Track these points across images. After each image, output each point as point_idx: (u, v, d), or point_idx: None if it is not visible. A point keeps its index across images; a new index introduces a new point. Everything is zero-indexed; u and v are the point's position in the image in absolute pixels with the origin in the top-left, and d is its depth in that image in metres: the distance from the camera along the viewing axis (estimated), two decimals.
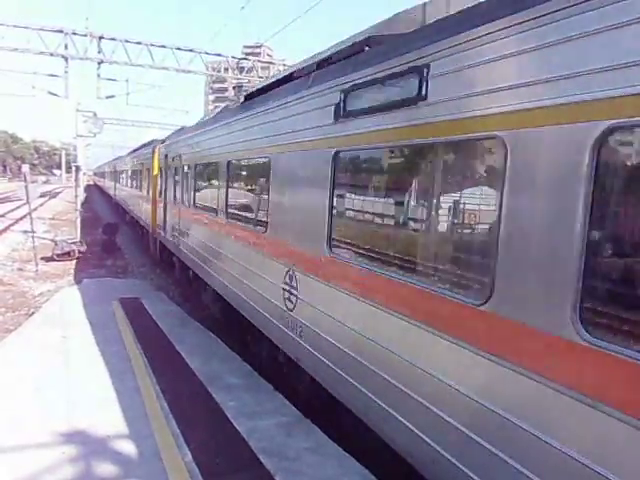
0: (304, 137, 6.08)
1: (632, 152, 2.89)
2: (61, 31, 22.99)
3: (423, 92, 4.04)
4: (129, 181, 29.21)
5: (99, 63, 24.08)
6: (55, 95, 24.55)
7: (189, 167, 12.52)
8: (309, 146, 5.96)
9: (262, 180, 7.65)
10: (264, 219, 7.29)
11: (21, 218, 29.78)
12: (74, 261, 18.06)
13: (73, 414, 5.91)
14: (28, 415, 5.85)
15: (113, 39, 23.90)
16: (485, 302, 3.38)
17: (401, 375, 4.18)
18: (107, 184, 54.72)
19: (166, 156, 15.98)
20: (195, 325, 10.10)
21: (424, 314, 3.96)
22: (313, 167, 5.84)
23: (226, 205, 9.22)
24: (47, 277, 15.55)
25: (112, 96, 26.85)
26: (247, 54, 49.95)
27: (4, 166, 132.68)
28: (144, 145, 26.18)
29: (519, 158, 3.20)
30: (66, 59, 23.45)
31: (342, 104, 5.20)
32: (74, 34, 23.18)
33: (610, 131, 2.67)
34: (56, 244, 18.62)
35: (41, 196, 50.33)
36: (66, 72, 23.65)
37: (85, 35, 23.34)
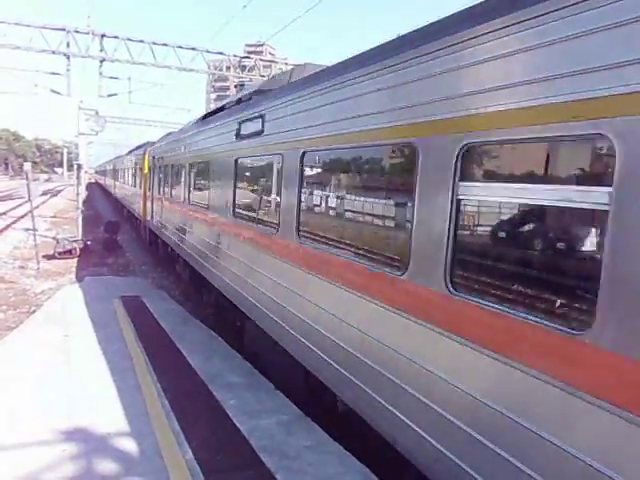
0: (224, 148, 9.66)
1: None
2: (63, 29, 23.02)
3: (262, 128, 7.54)
4: (125, 179, 32.39)
5: (101, 61, 24.11)
6: (57, 93, 24.57)
7: (166, 167, 16.26)
8: (225, 155, 9.55)
9: (205, 176, 11.25)
10: (208, 202, 10.72)
11: (23, 216, 29.83)
12: (75, 259, 18.09)
13: (74, 412, 5.92)
14: (29, 413, 5.86)
15: (115, 37, 23.93)
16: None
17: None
18: (108, 182, 55.25)
19: (153, 157, 19.31)
20: (196, 323, 10.11)
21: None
22: (225, 168, 9.40)
23: (189, 195, 12.73)
24: (48, 275, 15.57)
25: (114, 94, 26.86)
26: (249, 53, 49.98)
27: (6, 164, 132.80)
28: (138, 147, 29.32)
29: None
30: (68, 57, 23.48)
31: (239, 130, 8.72)
32: (76, 32, 23.20)
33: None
34: (58, 242, 18.65)
35: (43, 194, 50.41)
36: (68, 70, 23.68)
37: (87, 33, 23.38)
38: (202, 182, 11.58)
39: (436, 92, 3.91)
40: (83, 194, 26.64)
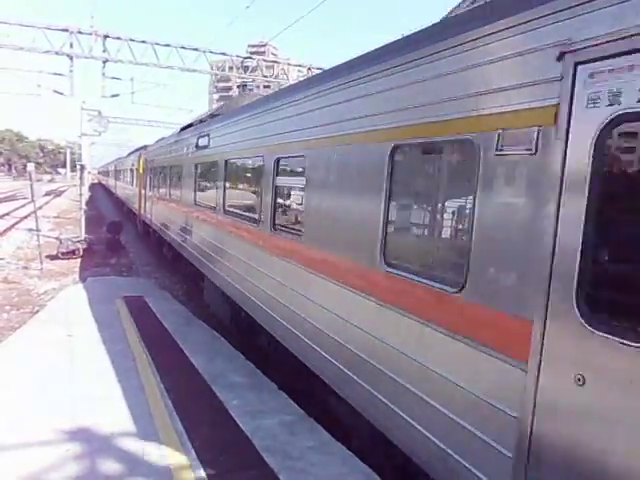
0: (186, 157, 13.47)
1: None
2: (66, 30, 23.03)
3: (208, 143, 11.04)
4: (124, 179, 35.79)
5: (104, 62, 24.11)
6: (60, 94, 24.61)
7: (155, 169, 19.46)
8: (187, 161, 13.37)
9: (178, 176, 14.44)
10: (180, 196, 14.03)
11: (26, 216, 29.91)
12: (79, 259, 18.12)
13: (77, 412, 5.93)
14: (33, 413, 5.87)
15: (118, 38, 23.92)
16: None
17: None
18: (110, 182, 55.72)
19: (146, 160, 22.24)
20: (199, 324, 10.11)
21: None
22: (190, 170, 12.83)
23: (169, 190, 16.02)
24: (52, 275, 15.60)
25: (117, 95, 26.87)
26: (252, 53, 49.96)
27: (9, 165, 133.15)
28: (135, 150, 33.28)
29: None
30: (71, 58, 23.49)
31: (197, 143, 12.13)
32: (79, 33, 23.20)
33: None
34: (61, 242, 18.69)
35: (46, 194, 50.41)
36: (71, 71, 23.69)
37: (90, 34, 23.37)
38: (176, 181, 14.86)
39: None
40: (86, 195, 26.68)
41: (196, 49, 25.21)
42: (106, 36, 23.65)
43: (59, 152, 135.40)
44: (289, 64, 30.41)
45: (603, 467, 2.68)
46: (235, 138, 9.21)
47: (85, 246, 19.18)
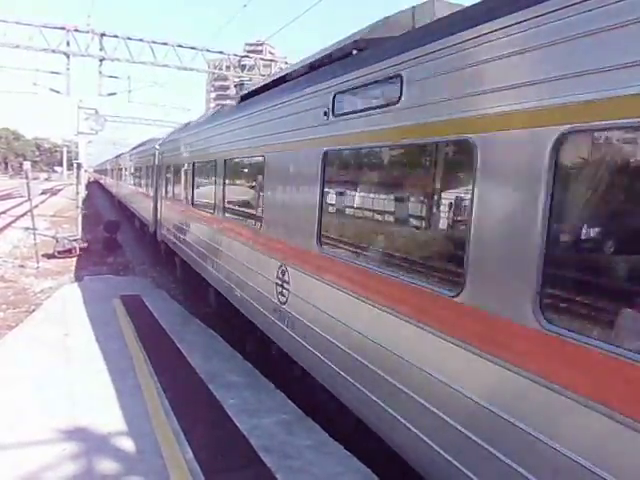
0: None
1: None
2: (63, 28, 22.99)
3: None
4: (120, 175, 37.37)
5: (101, 60, 24.09)
6: (57, 92, 24.53)
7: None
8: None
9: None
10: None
11: (22, 215, 29.82)
12: (75, 258, 18.08)
13: (74, 412, 5.91)
14: (29, 412, 5.86)
15: (115, 36, 23.90)
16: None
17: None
18: (108, 181, 55.64)
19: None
20: (196, 323, 10.10)
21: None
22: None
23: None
24: (48, 274, 15.55)
25: (114, 93, 26.88)
26: (249, 52, 49.84)
27: (5, 163, 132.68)
28: (122, 154, 36.80)
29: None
30: (68, 56, 23.45)
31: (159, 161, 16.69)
32: (76, 31, 23.17)
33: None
34: (57, 241, 18.64)
35: (42, 193, 50.30)
36: (68, 69, 23.65)
37: (87, 32, 23.34)
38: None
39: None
40: (83, 193, 26.62)
41: (193, 48, 25.21)
42: (103, 34, 23.62)
43: (55, 151, 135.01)
44: (286, 63, 30.38)
45: None
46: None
47: (82, 245, 19.14)
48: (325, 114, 5.62)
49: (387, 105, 4.59)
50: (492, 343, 3.34)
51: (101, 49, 23.82)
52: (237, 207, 9.52)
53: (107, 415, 5.87)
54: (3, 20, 22.33)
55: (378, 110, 4.74)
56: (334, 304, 5.32)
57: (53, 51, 23.15)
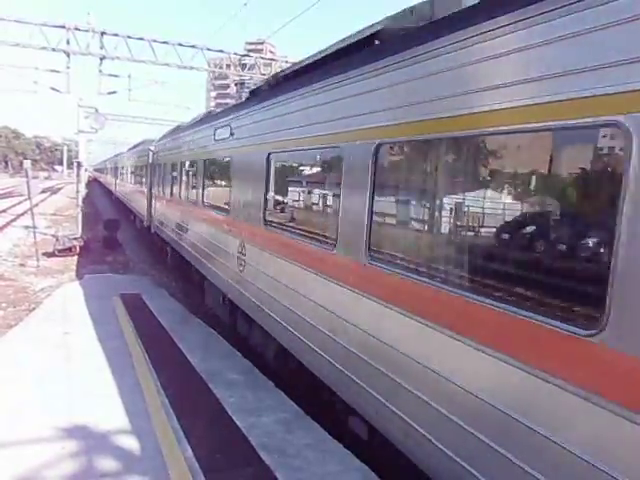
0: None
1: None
2: (63, 26, 22.93)
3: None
4: (119, 173, 38.60)
5: (101, 59, 24.02)
6: (57, 91, 24.50)
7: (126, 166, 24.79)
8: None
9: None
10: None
11: (22, 214, 29.81)
12: (75, 257, 18.08)
13: (74, 409, 5.92)
14: (29, 410, 5.86)
15: (115, 35, 23.84)
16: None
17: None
18: (107, 180, 56.23)
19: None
20: (196, 321, 10.11)
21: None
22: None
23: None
24: (48, 273, 15.55)
25: (114, 92, 26.81)
26: (249, 51, 49.81)
27: (5, 162, 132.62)
28: (120, 153, 40.66)
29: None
30: (68, 54, 23.40)
31: (153, 160, 19.22)
32: (76, 29, 23.11)
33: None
34: (57, 240, 18.63)
35: (42, 192, 50.33)
36: (68, 68, 23.61)
37: (87, 31, 23.28)
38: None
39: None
40: (83, 192, 26.60)
41: (193, 46, 25.15)
42: (103, 33, 23.57)
43: (56, 149, 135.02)
44: (287, 62, 30.35)
45: None
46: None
47: (82, 243, 19.13)
48: (258, 128, 7.98)
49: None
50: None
51: (101, 47, 23.76)
52: (212, 198, 11.11)
53: (107, 413, 5.87)
54: (3, 18, 22.30)
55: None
56: (275, 268, 6.94)
57: (53, 49, 23.10)
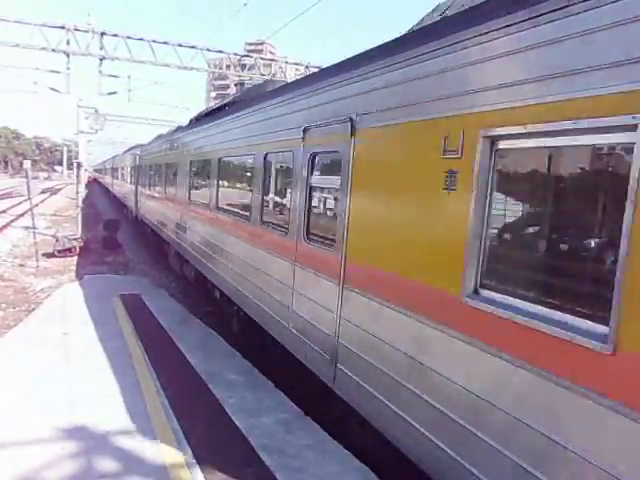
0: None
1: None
2: (63, 27, 22.92)
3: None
4: (116, 173, 42.78)
5: (101, 59, 24.00)
6: (57, 91, 24.49)
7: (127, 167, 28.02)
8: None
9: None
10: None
11: (22, 214, 29.81)
12: (75, 257, 18.07)
13: (73, 410, 5.92)
14: (28, 411, 5.86)
15: (115, 35, 23.83)
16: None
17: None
18: (106, 179, 57.50)
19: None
20: (196, 322, 10.10)
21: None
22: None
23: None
24: (48, 273, 15.55)
25: (114, 92, 26.80)
26: (249, 51, 49.84)
27: (5, 162, 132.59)
28: (115, 156, 45.64)
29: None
30: (68, 55, 23.39)
31: (138, 162, 24.71)
32: (76, 30, 23.11)
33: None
34: (57, 240, 18.63)
35: (42, 192, 50.33)
36: (68, 68, 23.60)
37: (87, 31, 23.27)
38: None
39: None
40: (83, 192, 26.62)
41: (193, 47, 25.14)
42: (103, 33, 23.56)
43: (55, 150, 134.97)
44: (287, 62, 30.36)
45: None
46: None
47: (82, 244, 19.13)
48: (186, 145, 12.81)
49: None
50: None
51: (101, 48, 23.76)
52: (172, 191, 15.16)
53: (106, 414, 5.87)
54: (3, 19, 22.30)
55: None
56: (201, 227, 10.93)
57: (53, 50, 23.08)
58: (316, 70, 17.04)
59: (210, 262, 10.46)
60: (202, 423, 5.81)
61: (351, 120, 5.04)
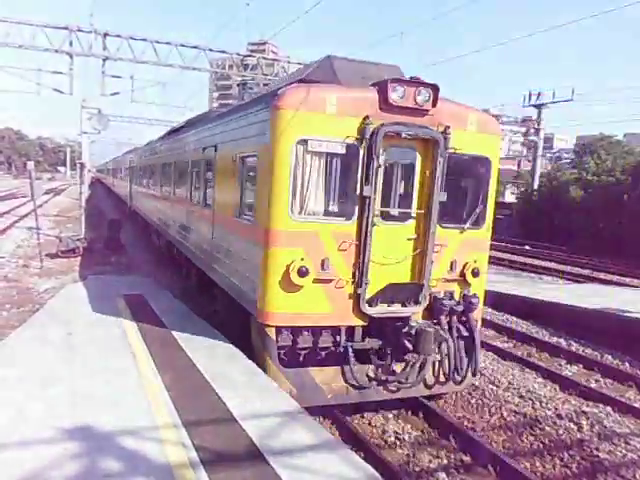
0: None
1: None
2: (66, 28, 23.00)
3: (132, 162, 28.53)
4: (115, 173, 47.73)
5: (104, 60, 24.08)
6: (60, 92, 24.53)
7: (135, 167, 28.47)
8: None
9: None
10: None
11: (26, 215, 29.90)
12: (79, 258, 18.12)
13: (77, 410, 5.92)
14: (32, 411, 5.86)
15: (118, 36, 23.89)
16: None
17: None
18: (108, 179, 59.08)
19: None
20: (199, 322, 10.09)
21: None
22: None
23: (132, 181, 29.27)
24: (51, 274, 15.59)
25: (117, 93, 26.79)
26: (252, 51, 49.79)
27: (9, 163, 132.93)
28: (115, 157, 52.84)
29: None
30: (71, 56, 23.47)
31: (131, 164, 30.69)
32: (79, 31, 23.18)
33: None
34: (61, 241, 18.69)
35: (46, 193, 50.47)
36: (71, 69, 23.66)
37: (90, 32, 23.35)
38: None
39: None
40: (86, 193, 26.69)
41: (196, 47, 25.20)
42: (106, 34, 23.63)
43: (59, 150, 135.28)
44: (289, 62, 30.35)
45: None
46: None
47: (85, 244, 19.17)
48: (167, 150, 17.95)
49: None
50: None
51: (104, 49, 23.83)
52: (154, 185, 19.60)
53: (110, 413, 5.87)
54: (6, 20, 22.38)
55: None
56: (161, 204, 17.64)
57: (56, 51, 23.16)
58: None
59: (164, 224, 17.00)
60: (206, 423, 5.80)
61: (215, 146, 10.34)
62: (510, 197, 52.73)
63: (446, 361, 7.75)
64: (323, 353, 7.70)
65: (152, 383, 6.87)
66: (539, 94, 38.37)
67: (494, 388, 9.23)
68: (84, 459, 4.91)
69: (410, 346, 7.38)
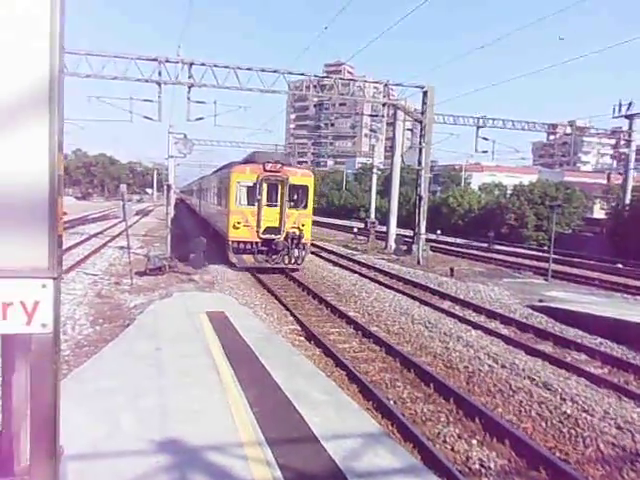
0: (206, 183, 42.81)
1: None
2: (155, 59, 24.47)
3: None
4: (192, 193, 62.65)
5: (189, 87, 25.33)
6: (149, 119, 26.01)
7: (194, 190, 55.60)
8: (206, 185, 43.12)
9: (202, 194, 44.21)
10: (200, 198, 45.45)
11: (118, 235, 31.74)
12: (165, 275, 18.94)
13: (166, 424, 6.12)
14: (125, 423, 6.12)
15: (202, 64, 25.09)
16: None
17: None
18: (191, 200, 64.77)
19: (200, 184, 47.52)
20: (279, 340, 10.22)
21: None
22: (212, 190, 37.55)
23: (200, 197, 46.67)
24: (140, 290, 16.38)
25: (201, 118, 28.06)
26: (328, 72, 50.72)
27: (102, 186, 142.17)
28: (193, 181, 66.75)
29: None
30: (160, 85, 24.89)
31: (198, 187, 52.58)
32: (167, 62, 24.58)
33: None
34: (149, 259, 19.63)
35: (136, 214, 53.46)
36: (159, 97, 25.07)
37: (177, 62, 24.69)
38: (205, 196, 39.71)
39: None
40: (171, 213, 28.03)
41: (275, 71, 25.96)
42: (192, 64, 24.89)
43: (147, 173, 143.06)
44: (365, 81, 30.59)
45: None
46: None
47: (171, 262, 20.04)
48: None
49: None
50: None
51: (189, 77, 25.10)
52: (207, 199, 35.30)
53: (197, 428, 6.02)
54: (100, 55, 24.11)
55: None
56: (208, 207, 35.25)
57: (146, 81, 24.68)
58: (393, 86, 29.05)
59: (211, 216, 30.91)
60: (289, 442, 5.81)
61: (220, 181, 26.82)
62: (599, 212, 49.96)
63: (290, 256, 20.84)
64: (248, 250, 20.69)
65: (236, 399, 7.00)
66: (630, 104, 36.32)
67: (588, 417, 8.64)
68: (175, 473, 5.04)
69: (277, 249, 20.69)
